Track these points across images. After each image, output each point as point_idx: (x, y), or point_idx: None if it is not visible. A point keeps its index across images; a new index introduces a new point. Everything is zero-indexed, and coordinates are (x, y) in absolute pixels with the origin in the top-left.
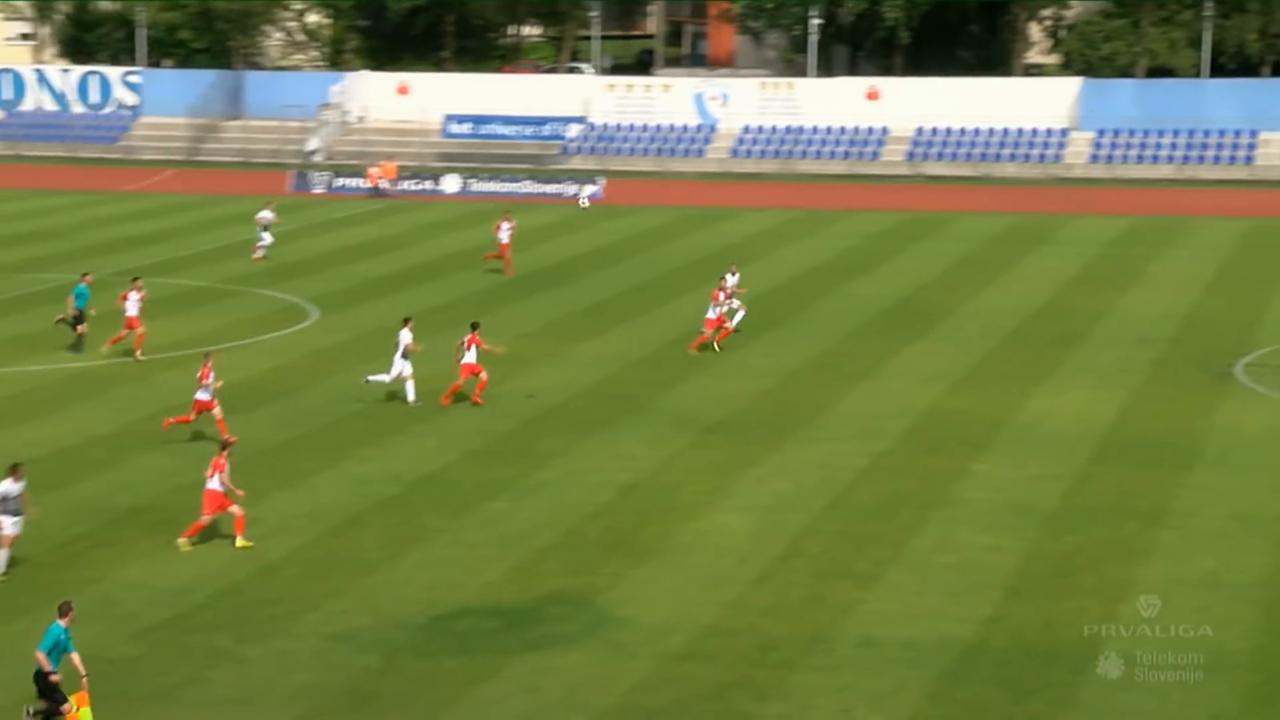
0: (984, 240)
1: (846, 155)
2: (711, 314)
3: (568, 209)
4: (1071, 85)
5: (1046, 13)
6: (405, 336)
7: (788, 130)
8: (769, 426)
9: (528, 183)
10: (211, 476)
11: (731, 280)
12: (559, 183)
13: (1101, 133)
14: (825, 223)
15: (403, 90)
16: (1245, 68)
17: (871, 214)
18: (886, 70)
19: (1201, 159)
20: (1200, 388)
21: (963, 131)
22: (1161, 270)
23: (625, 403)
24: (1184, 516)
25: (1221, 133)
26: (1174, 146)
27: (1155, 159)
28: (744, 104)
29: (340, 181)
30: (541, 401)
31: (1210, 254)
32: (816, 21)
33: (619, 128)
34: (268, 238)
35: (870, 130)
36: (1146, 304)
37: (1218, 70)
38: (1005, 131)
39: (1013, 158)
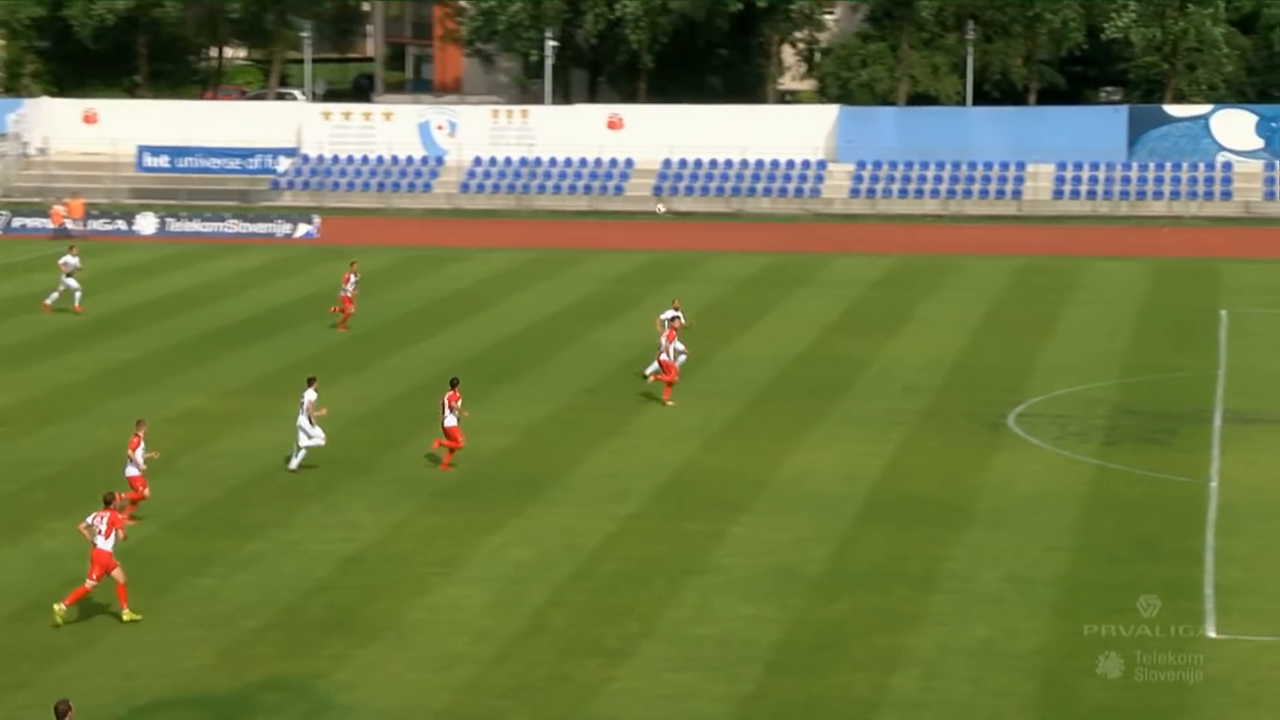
0: (738, 282)
1: (588, 190)
2: (666, 356)
3: (279, 250)
4: (828, 114)
5: (800, 35)
6: (309, 397)
7: (522, 163)
8: (508, 489)
9: (234, 221)
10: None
11: (671, 315)
12: (269, 221)
13: (861, 165)
14: (565, 264)
15: (89, 119)
16: (1010, 95)
17: (616, 254)
18: (630, 97)
19: (968, 193)
20: (971, 440)
21: (713, 164)
22: (928, 313)
23: (347, 465)
24: (957, 580)
25: (988, 165)
26: (938, 180)
27: (919, 193)
28: (474, 134)
29: (20, 221)
30: (253, 465)
31: (979, 295)
32: (552, 44)
33: (335, 160)
34: None
35: (613, 162)
36: (913, 350)
37: (982, 98)
38: (759, 164)
39: (767, 192)
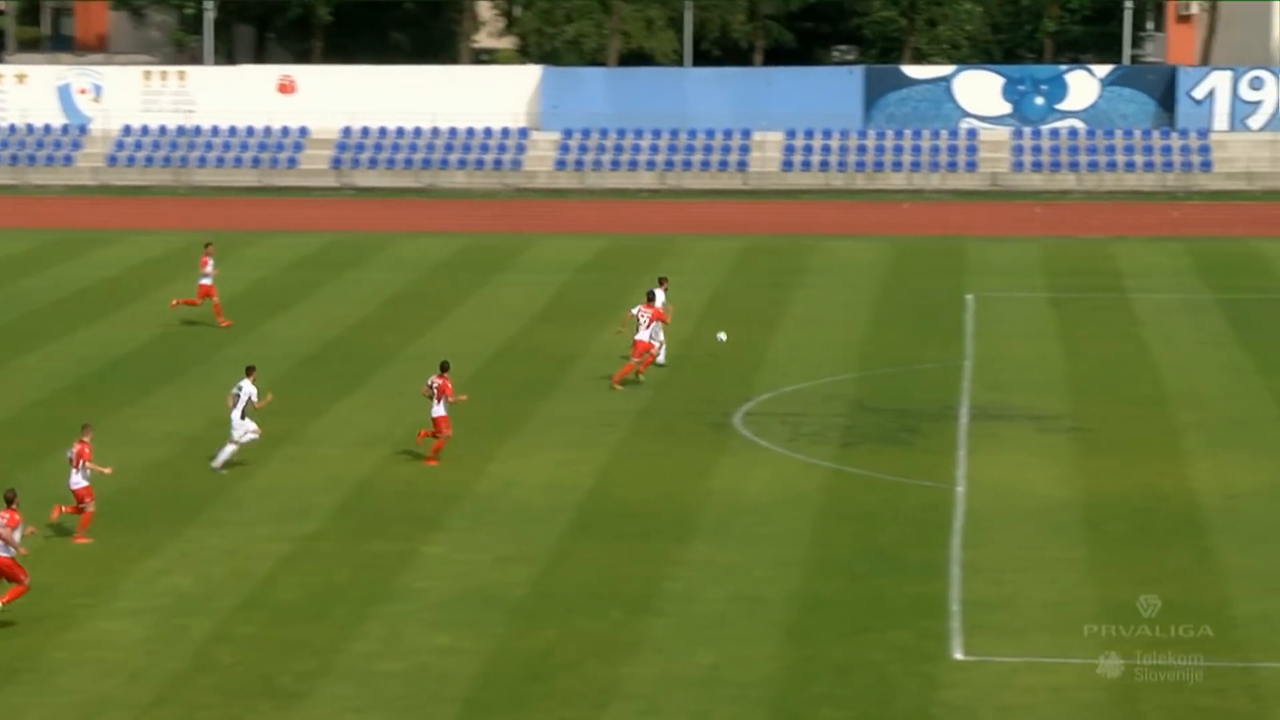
0: (430, 267)
1: (256, 163)
2: (643, 335)
3: None
4: (530, 75)
5: None
6: (249, 390)
7: (180, 131)
8: (164, 507)
9: None
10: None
11: (661, 298)
12: None
13: (568, 133)
14: (231, 247)
15: None
16: (733, 55)
17: (289, 236)
18: (303, 57)
19: (687, 165)
20: (694, 443)
21: (400, 133)
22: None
23: None
24: (678, 601)
25: (709, 133)
26: (654, 150)
27: (634, 165)
28: (123, 98)
29: None
30: None
31: (701, 280)
32: None
33: None
34: None
35: (285, 131)
36: (628, 341)
37: (702, 58)
38: (452, 132)
39: (462, 165)
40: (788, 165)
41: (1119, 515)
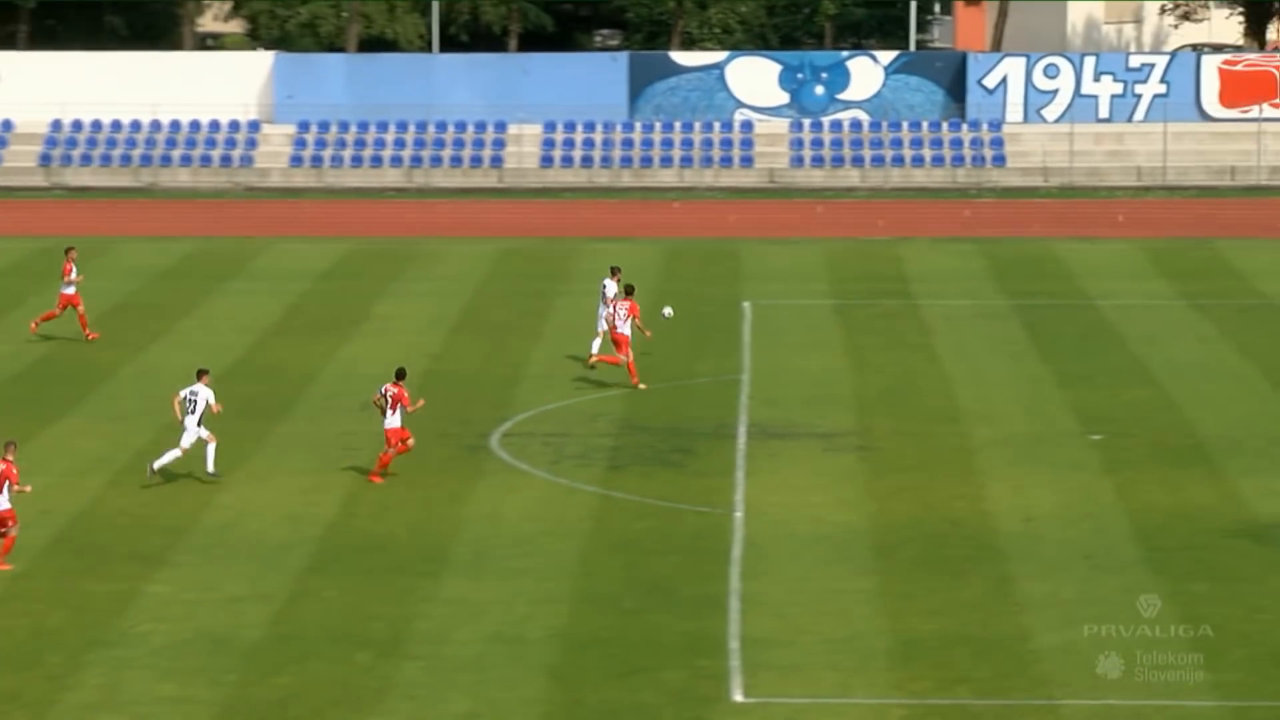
0: (151, 275)
1: None
2: (623, 329)
3: None
4: (262, 62)
5: None
6: (205, 394)
7: None
8: None
9: None
10: None
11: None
12: None
13: (304, 126)
14: None
15: None
16: (486, 40)
17: None
18: (6, 42)
19: (436, 161)
20: (446, 467)
21: (116, 126)
22: (391, 311)
23: None
24: (430, 642)
25: (460, 126)
26: (400, 145)
27: (377, 162)
28: None
29: None
30: None
31: (453, 287)
32: None
33: None
34: None
35: None
36: (373, 357)
37: (451, 43)
38: (175, 125)
39: (186, 161)
40: (547, 161)
41: (910, 541)
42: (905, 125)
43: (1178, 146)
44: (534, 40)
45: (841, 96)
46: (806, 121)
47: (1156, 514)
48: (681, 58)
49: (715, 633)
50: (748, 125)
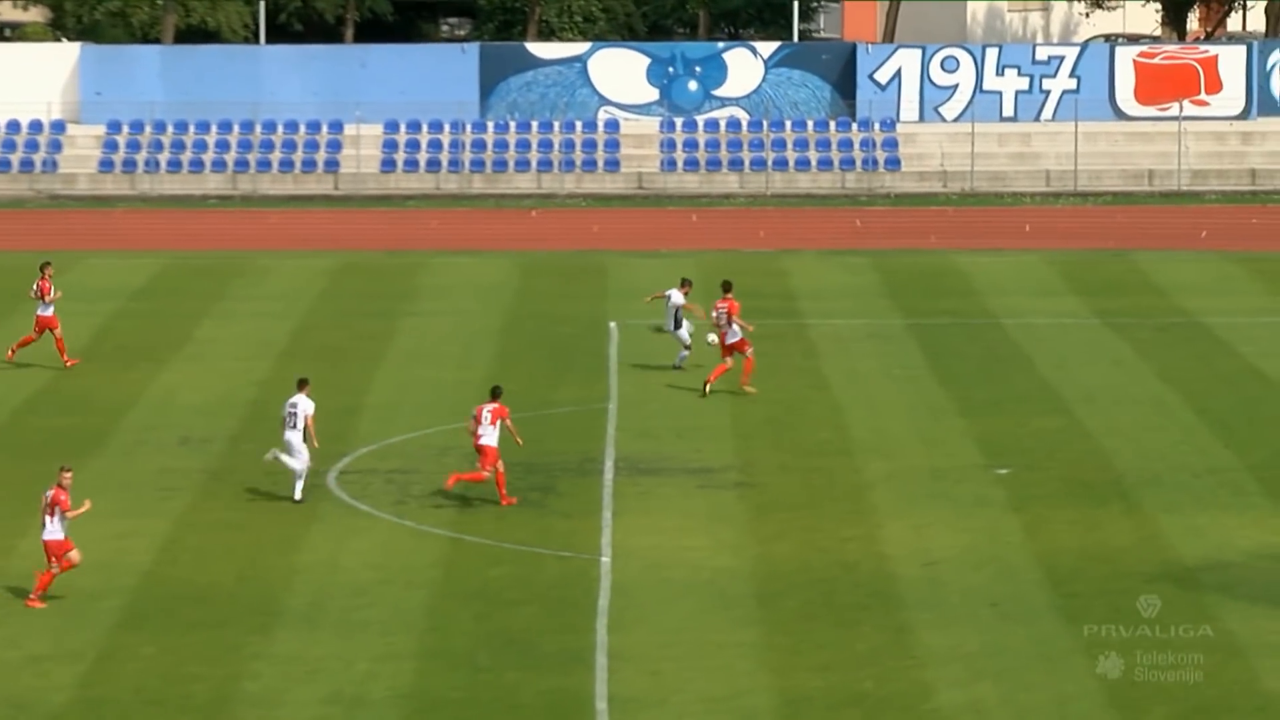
0: None
1: None
2: (734, 335)
3: None
4: (66, 55)
5: None
6: (306, 405)
7: None
8: None
9: None
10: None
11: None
12: None
13: (116, 127)
14: None
15: None
16: (318, 30)
17: None
18: None
19: (265, 165)
20: (278, 510)
21: None
22: (214, 334)
23: None
24: (261, 704)
25: (291, 126)
26: (223, 147)
27: (198, 166)
28: None
29: None
30: None
31: (284, 307)
32: None
33: None
34: None
35: None
36: (193, 386)
37: (279, 33)
38: None
39: None
40: (388, 165)
41: (797, 588)
42: (788, 125)
43: (1090, 148)
44: (373, 30)
45: (717, 93)
46: (678, 121)
47: (1069, 556)
48: (539, 49)
49: (580, 692)
50: (613, 125)
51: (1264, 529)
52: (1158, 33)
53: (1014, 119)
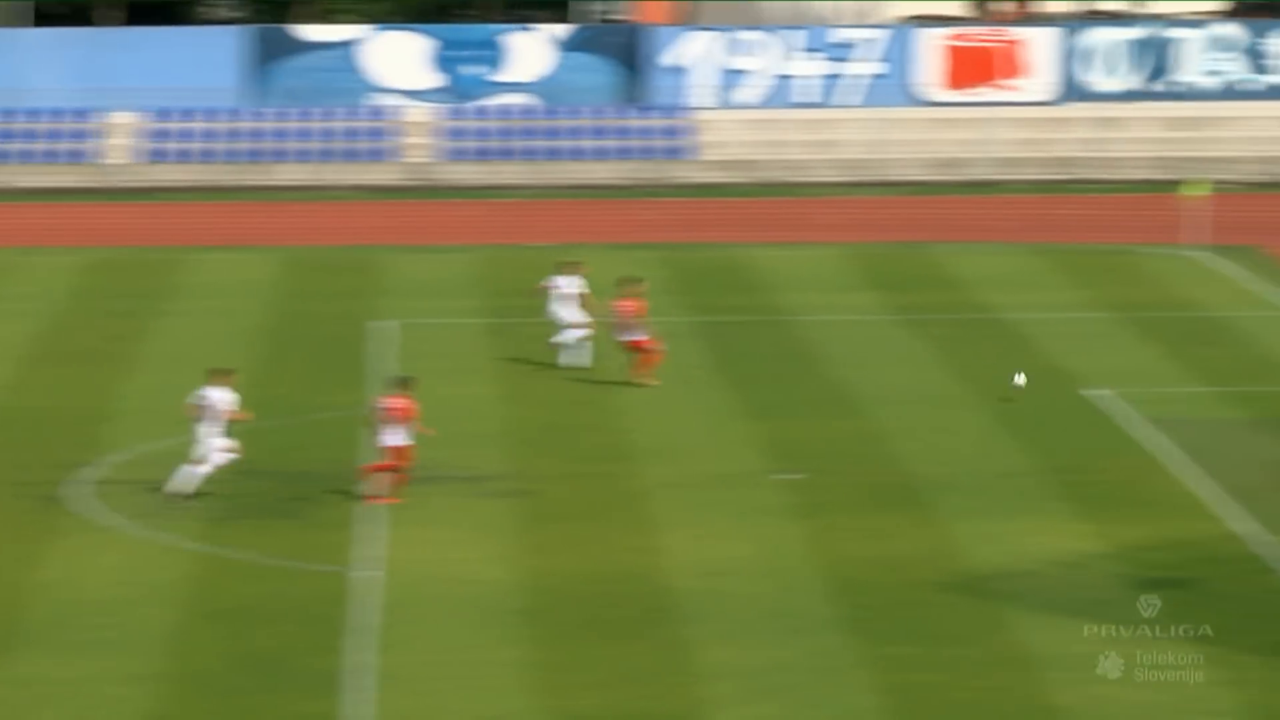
0: None
1: None
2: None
3: None
4: None
5: None
6: (221, 398)
7: None
8: None
9: None
10: None
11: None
12: None
13: None
14: None
15: None
16: (80, 13)
17: None
18: None
19: (19, 156)
20: (16, 523)
21: None
22: None
23: None
24: None
25: (44, 113)
26: None
27: None
28: None
29: None
30: None
31: (30, 307)
32: None
33: None
34: None
35: None
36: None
37: (42, 18)
38: None
39: None
40: (150, 155)
41: (573, 602)
42: (576, 112)
43: (893, 136)
44: (135, 12)
45: (500, 78)
46: (459, 108)
47: (858, 566)
48: (310, 32)
49: (333, 715)
50: (388, 112)
51: (1059, 535)
52: (965, 15)
53: (814, 105)
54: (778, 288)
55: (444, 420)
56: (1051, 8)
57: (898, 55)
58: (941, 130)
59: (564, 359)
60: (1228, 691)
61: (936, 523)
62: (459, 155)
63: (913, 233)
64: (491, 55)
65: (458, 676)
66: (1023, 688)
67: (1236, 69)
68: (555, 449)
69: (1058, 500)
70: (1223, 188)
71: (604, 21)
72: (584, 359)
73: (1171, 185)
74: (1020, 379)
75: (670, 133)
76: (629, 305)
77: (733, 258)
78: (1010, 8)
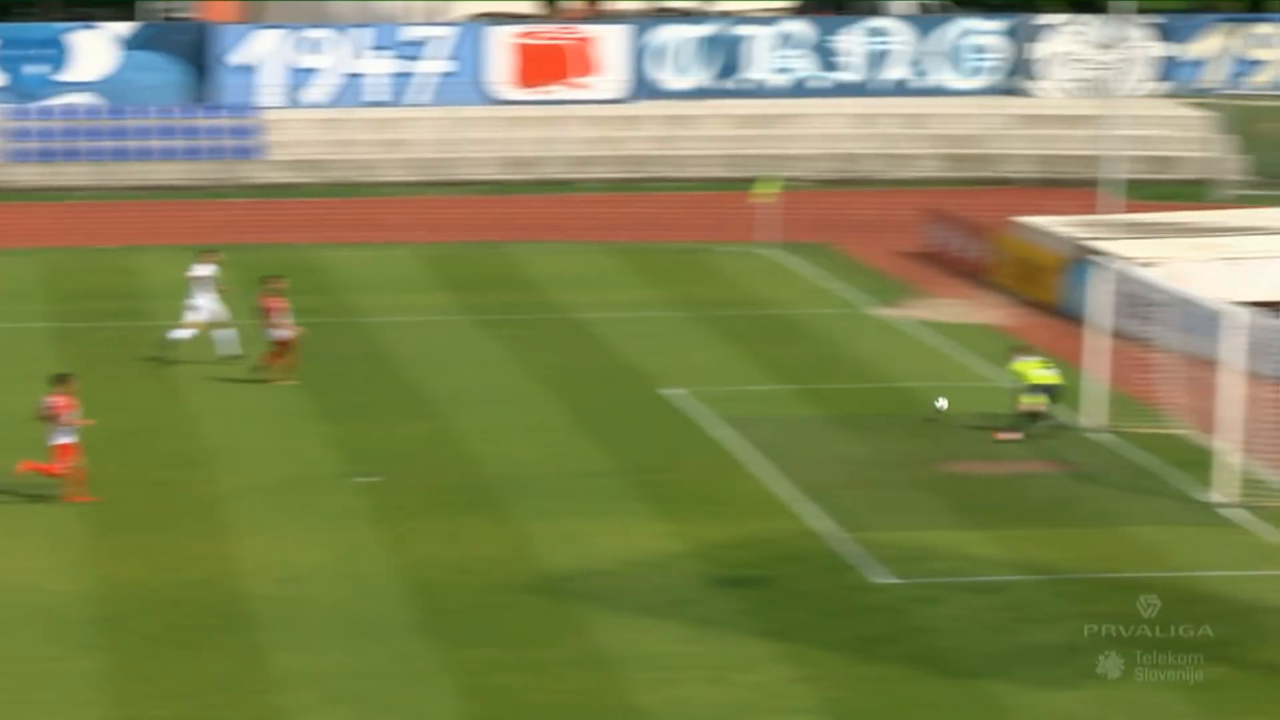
0: None
1: None
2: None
3: None
4: None
5: None
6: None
7: None
8: None
9: None
10: None
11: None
12: None
13: None
14: None
15: None
16: None
17: None
18: None
19: None
20: None
21: None
22: None
23: None
24: None
25: None
26: None
27: None
28: None
29: None
30: None
31: None
32: None
33: None
34: None
35: None
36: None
37: None
38: None
39: None
40: None
41: (144, 611)
42: (143, 111)
43: (465, 134)
44: None
45: (64, 78)
46: (21, 108)
47: (437, 569)
48: None
49: None
50: None
51: (638, 535)
52: (534, 13)
53: (384, 104)
54: (350, 288)
55: (10, 427)
56: (621, 6)
57: (468, 53)
58: (513, 129)
59: (219, 350)
60: (808, 688)
61: (514, 524)
62: (22, 156)
63: (486, 232)
64: (54, 54)
65: (23, 689)
66: (604, 688)
67: (805, 66)
68: (128, 455)
69: (636, 500)
70: (794, 185)
71: (170, 19)
72: (234, 348)
73: (743, 183)
74: (942, 403)
75: (239, 132)
76: (274, 302)
77: (304, 258)
78: (579, 5)
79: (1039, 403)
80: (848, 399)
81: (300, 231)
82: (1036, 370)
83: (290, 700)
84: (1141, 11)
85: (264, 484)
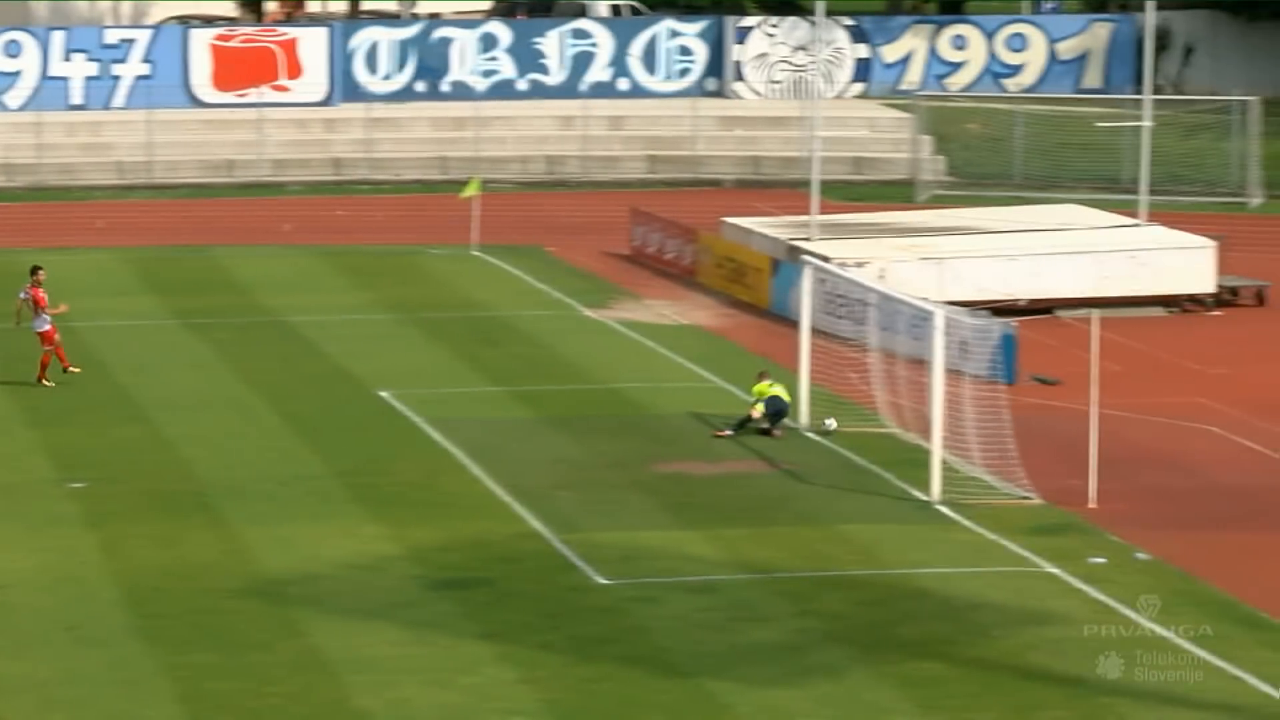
0: None
1: None
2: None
3: None
4: None
5: None
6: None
7: None
8: None
9: None
10: None
11: None
12: None
13: None
14: None
15: None
16: None
17: None
18: None
19: None
20: None
21: None
22: None
23: None
24: None
25: None
26: None
27: None
28: None
29: None
30: None
31: None
32: None
33: None
34: None
35: None
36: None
37: None
38: None
39: None
40: None
41: None
42: None
43: (166, 137)
44: None
45: None
46: None
47: (150, 574)
48: None
49: None
50: None
51: (352, 537)
52: (235, 15)
53: (83, 107)
54: (56, 293)
55: None
56: (324, 8)
57: (168, 56)
58: (215, 132)
59: None
60: (529, 689)
61: (228, 528)
62: None
63: (191, 236)
64: None
65: None
66: (324, 692)
67: (507, 69)
68: None
69: (351, 503)
70: (500, 187)
71: None
72: None
73: (448, 185)
74: (831, 423)
75: None
76: (40, 294)
77: (6, 263)
78: (278, 7)
79: (761, 410)
80: (560, 400)
81: (2, 236)
82: (774, 389)
83: (7, 707)
84: (839, 13)
85: None
